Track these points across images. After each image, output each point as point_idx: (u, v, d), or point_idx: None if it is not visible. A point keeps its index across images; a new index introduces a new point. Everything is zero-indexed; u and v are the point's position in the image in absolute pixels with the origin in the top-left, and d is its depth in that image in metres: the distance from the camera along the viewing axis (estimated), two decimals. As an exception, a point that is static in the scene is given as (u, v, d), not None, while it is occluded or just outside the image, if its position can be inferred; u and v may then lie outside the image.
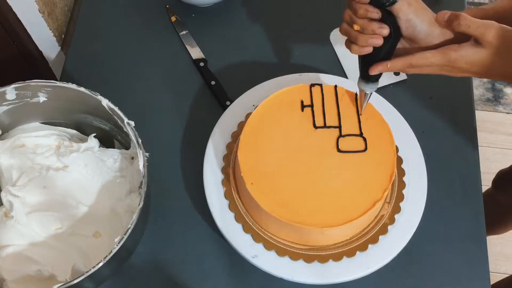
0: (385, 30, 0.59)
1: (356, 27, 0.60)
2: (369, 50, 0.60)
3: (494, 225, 1.23)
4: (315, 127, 0.70)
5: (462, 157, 0.83)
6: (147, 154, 0.67)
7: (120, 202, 0.73)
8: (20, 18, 0.87)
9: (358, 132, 0.70)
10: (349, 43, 0.62)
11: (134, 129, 0.68)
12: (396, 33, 0.59)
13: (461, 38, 0.59)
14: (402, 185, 0.74)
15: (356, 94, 0.73)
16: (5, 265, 0.69)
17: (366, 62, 0.63)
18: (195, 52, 0.92)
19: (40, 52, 0.95)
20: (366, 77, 0.65)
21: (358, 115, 0.71)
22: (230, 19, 0.96)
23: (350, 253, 0.70)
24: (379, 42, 0.59)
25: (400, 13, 0.58)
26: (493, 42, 0.56)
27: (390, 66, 0.61)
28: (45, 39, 0.96)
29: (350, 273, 0.70)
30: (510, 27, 0.57)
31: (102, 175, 0.74)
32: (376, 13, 0.58)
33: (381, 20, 0.59)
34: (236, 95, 0.81)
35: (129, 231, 0.62)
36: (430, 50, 0.59)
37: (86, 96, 0.69)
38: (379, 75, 0.65)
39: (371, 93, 0.68)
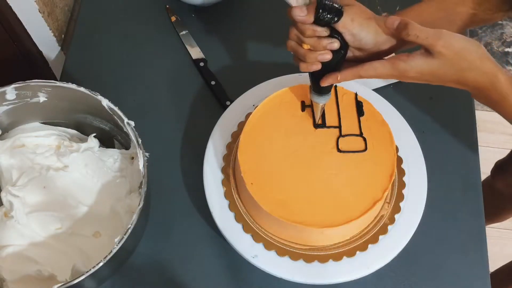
0: (336, 44, 0.59)
1: (306, 46, 0.60)
2: (318, 67, 0.61)
3: (493, 214, 1.25)
4: (315, 127, 0.70)
5: (462, 157, 0.83)
6: (147, 154, 0.67)
7: (120, 202, 0.73)
8: (20, 18, 0.87)
9: (358, 132, 0.70)
10: (298, 60, 0.63)
11: (134, 129, 0.68)
12: (344, 48, 0.60)
13: (408, 43, 0.59)
14: (402, 185, 0.74)
15: (356, 94, 0.73)
16: (5, 265, 0.69)
17: (316, 75, 0.63)
18: (195, 52, 0.92)
19: (40, 52, 0.95)
20: (318, 89, 0.65)
21: (358, 115, 0.71)
22: (230, 19, 0.96)
23: (350, 253, 0.70)
24: (328, 57, 0.59)
25: (344, 29, 0.58)
26: (443, 52, 0.56)
27: (340, 78, 0.61)
28: (45, 39, 0.97)
29: (350, 273, 0.70)
30: (460, 35, 0.57)
31: (102, 175, 0.74)
32: (324, 32, 0.59)
33: (329, 36, 0.59)
34: (236, 95, 0.81)
35: (129, 231, 0.62)
36: (380, 60, 0.59)
37: (86, 96, 0.69)
38: (330, 88, 0.65)
39: (324, 105, 0.68)
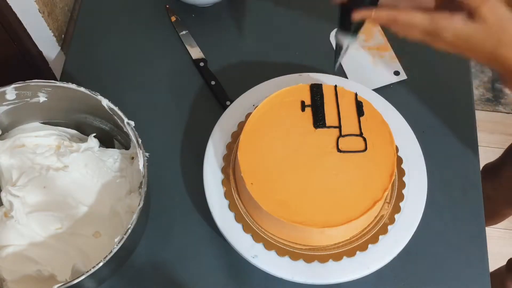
0: None
1: None
2: None
3: (485, 217, 1.25)
4: (315, 127, 0.70)
5: (462, 157, 0.83)
6: (147, 154, 0.67)
7: (120, 202, 0.73)
8: (20, 18, 0.87)
9: (358, 132, 0.70)
10: None
11: (134, 129, 0.68)
12: None
13: (454, 7, 0.55)
14: (402, 185, 0.74)
15: (356, 94, 0.73)
16: (5, 265, 0.69)
17: (348, 9, 0.58)
18: (195, 52, 0.92)
19: (40, 52, 0.95)
20: (345, 27, 0.60)
21: (358, 115, 0.71)
22: (230, 19, 0.96)
23: (350, 253, 0.70)
24: None
25: None
26: (487, 16, 0.53)
27: (374, 14, 0.57)
28: (45, 39, 0.96)
29: (350, 273, 0.70)
30: (507, 6, 0.54)
31: (102, 175, 0.74)
32: None
33: None
34: (236, 95, 0.81)
35: (129, 231, 0.62)
36: (420, 11, 0.56)
37: (86, 96, 0.69)
38: (359, 27, 0.60)
39: (347, 48, 0.64)
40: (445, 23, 0.55)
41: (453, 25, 0.54)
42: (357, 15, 0.58)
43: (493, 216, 1.26)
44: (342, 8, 0.60)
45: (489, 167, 1.15)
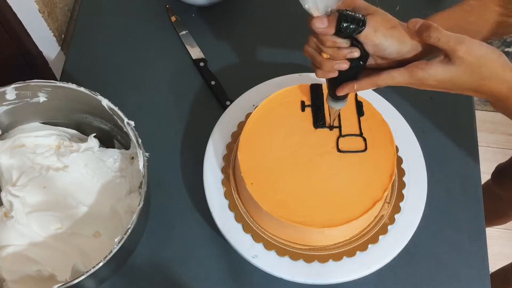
0: (356, 53, 0.57)
1: (325, 55, 0.59)
2: (334, 74, 0.59)
3: (493, 218, 1.25)
4: (315, 127, 0.70)
5: (462, 157, 0.83)
6: (147, 154, 0.67)
7: (120, 202, 0.73)
8: (20, 18, 0.87)
9: (358, 132, 0.70)
10: (314, 67, 0.61)
11: (134, 129, 0.68)
12: (364, 58, 0.58)
13: (433, 48, 0.57)
14: (402, 185, 0.74)
15: (356, 94, 0.73)
16: (5, 265, 0.69)
17: (334, 82, 0.61)
18: (195, 52, 0.92)
19: (40, 52, 0.95)
20: (334, 96, 0.64)
21: (358, 115, 0.71)
22: (230, 19, 0.96)
23: (350, 253, 0.70)
24: (345, 66, 0.58)
25: (366, 39, 0.57)
26: (464, 58, 0.54)
27: (356, 87, 0.60)
28: (45, 39, 0.96)
29: (350, 273, 0.70)
30: (482, 42, 0.55)
31: (102, 175, 0.74)
32: (345, 43, 0.57)
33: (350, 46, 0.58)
34: (236, 95, 0.81)
35: (129, 231, 0.62)
36: (397, 69, 0.58)
37: (86, 96, 0.69)
38: (347, 94, 0.64)
39: (339, 110, 0.67)
40: (424, 74, 0.56)
41: (432, 73, 0.56)
42: (340, 92, 0.61)
43: (503, 216, 1.25)
44: (329, 81, 0.63)
45: (500, 168, 1.15)
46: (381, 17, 0.57)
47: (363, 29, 0.55)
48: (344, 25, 0.55)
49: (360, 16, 0.56)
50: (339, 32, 0.55)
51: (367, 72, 0.60)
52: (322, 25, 0.56)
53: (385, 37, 0.57)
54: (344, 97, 0.64)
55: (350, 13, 0.55)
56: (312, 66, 0.62)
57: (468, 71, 0.55)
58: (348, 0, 0.57)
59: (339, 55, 0.57)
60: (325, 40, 0.57)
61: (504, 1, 0.65)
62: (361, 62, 0.58)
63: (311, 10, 0.56)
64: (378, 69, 0.60)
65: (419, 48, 0.58)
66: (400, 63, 0.59)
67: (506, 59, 0.56)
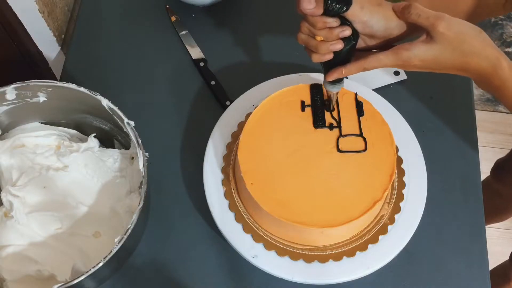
0: (347, 31, 0.59)
1: (319, 38, 0.60)
2: (330, 56, 0.61)
3: (493, 214, 1.25)
4: (315, 127, 0.70)
5: (462, 157, 0.83)
6: (147, 154, 0.67)
7: (120, 202, 0.73)
8: (20, 18, 0.87)
9: (358, 132, 0.70)
10: (310, 52, 0.63)
11: (134, 129, 0.68)
12: (355, 37, 0.60)
13: (417, 27, 0.59)
14: (402, 185, 0.74)
15: (356, 94, 0.73)
16: (5, 265, 0.69)
17: (328, 65, 0.63)
18: (195, 52, 0.92)
19: (40, 52, 0.95)
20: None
21: (358, 115, 0.71)
22: (230, 19, 0.96)
23: (350, 253, 0.70)
24: (340, 46, 0.60)
25: (354, 17, 0.58)
26: (445, 33, 0.56)
27: (345, 71, 0.62)
28: (45, 39, 0.96)
29: (350, 273, 0.70)
30: (461, 20, 0.57)
31: (102, 175, 0.74)
32: (335, 22, 0.59)
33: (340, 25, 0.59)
34: (236, 95, 0.81)
35: (129, 231, 0.62)
36: (383, 51, 0.60)
37: (86, 96, 0.69)
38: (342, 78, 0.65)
39: (337, 93, 0.68)
40: (409, 54, 0.58)
41: (416, 53, 0.58)
42: (330, 78, 0.64)
43: (503, 212, 1.25)
44: (323, 65, 0.64)
45: (500, 163, 1.15)
46: None
47: (350, 6, 0.57)
48: (331, 3, 0.56)
49: None
50: (328, 11, 0.57)
51: (355, 57, 0.61)
52: (310, 6, 0.57)
53: (371, 13, 0.59)
54: (341, 80, 0.66)
55: None
56: (307, 52, 0.64)
57: (449, 48, 0.57)
58: None
59: (332, 35, 0.59)
60: (316, 22, 0.59)
61: None
62: (353, 41, 0.60)
63: None
64: (366, 51, 0.62)
65: (404, 25, 0.60)
66: (387, 44, 0.61)
67: (487, 36, 0.58)
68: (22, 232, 0.70)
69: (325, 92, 0.73)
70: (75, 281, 0.60)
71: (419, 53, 0.58)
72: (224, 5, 0.97)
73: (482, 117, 1.69)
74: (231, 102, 0.83)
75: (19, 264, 0.69)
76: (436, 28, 0.56)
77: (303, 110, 0.72)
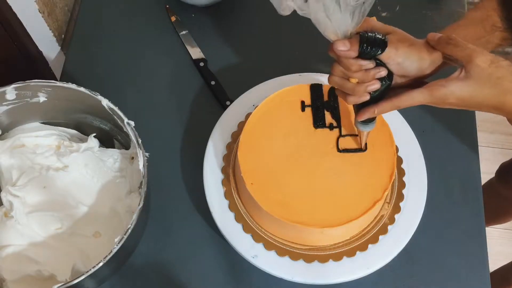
0: (383, 72, 0.58)
1: (354, 80, 0.59)
2: (367, 98, 0.60)
3: (496, 216, 1.25)
4: (315, 127, 0.70)
5: (462, 157, 0.83)
6: (147, 154, 0.67)
7: (120, 202, 0.73)
8: (20, 18, 0.87)
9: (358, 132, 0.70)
10: (344, 95, 0.61)
11: (134, 129, 0.68)
12: (390, 77, 0.59)
13: (452, 60, 0.58)
14: (402, 185, 0.74)
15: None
16: (5, 265, 0.69)
17: (361, 105, 0.62)
18: (195, 52, 0.92)
19: (40, 52, 0.95)
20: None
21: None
22: (230, 19, 0.96)
23: (350, 253, 0.70)
24: (377, 86, 0.58)
25: (389, 59, 0.57)
26: (482, 66, 0.54)
27: (377, 111, 0.60)
28: (45, 39, 0.96)
29: (350, 273, 0.70)
30: (499, 57, 0.55)
31: (102, 175, 0.74)
32: (371, 64, 0.57)
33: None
34: (236, 95, 0.81)
35: (129, 231, 0.62)
36: (417, 89, 0.57)
37: (86, 96, 0.69)
38: (374, 117, 0.64)
39: (369, 132, 0.67)
40: (446, 91, 0.56)
41: (452, 90, 0.56)
42: (361, 117, 0.62)
43: (506, 214, 1.25)
44: (355, 105, 0.63)
45: (505, 166, 1.14)
46: (400, 36, 0.58)
47: (385, 48, 0.56)
48: (367, 46, 0.55)
49: (381, 36, 0.56)
50: (363, 54, 0.56)
51: (387, 95, 0.60)
52: (344, 47, 0.56)
53: (406, 55, 0.57)
54: (373, 119, 0.64)
55: (370, 34, 0.56)
56: (338, 94, 0.63)
57: (487, 83, 0.54)
58: (364, 23, 0.57)
59: (368, 77, 0.58)
60: (351, 65, 0.57)
61: (502, 11, 0.65)
62: (388, 82, 0.59)
63: (330, 36, 0.56)
64: (397, 89, 0.60)
65: (437, 62, 0.59)
66: (418, 81, 0.60)
67: None
68: (22, 232, 0.70)
69: (325, 92, 0.73)
70: (75, 281, 0.60)
71: (455, 90, 0.56)
72: (224, 5, 0.97)
73: (482, 117, 1.68)
74: (231, 102, 0.83)
75: (19, 264, 0.69)
76: (473, 60, 0.54)
77: (303, 110, 0.72)
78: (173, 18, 0.95)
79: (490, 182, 1.18)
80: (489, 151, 1.62)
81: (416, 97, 0.58)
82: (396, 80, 0.61)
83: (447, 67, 0.60)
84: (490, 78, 0.54)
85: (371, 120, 0.64)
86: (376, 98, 0.60)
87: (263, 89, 0.81)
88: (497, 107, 0.56)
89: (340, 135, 0.70)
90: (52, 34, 0.98)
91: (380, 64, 0.58)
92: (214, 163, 0.76)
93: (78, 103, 0.72)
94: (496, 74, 0.54)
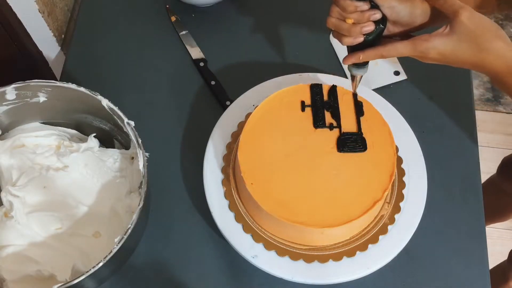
0: (378, 14, 0.61)
1: (350, 20, 0.62)
2: (361, 39, 0.63)
3: (497, 213, 1.24)
4: (315, 127, 0.70)
5: (462, 157, 0.83)
6: (147, 154, 0.67)
7: (120, 202, 0.73)
8: (20, 18, 0.87)
9: (358, 132, 0.70)
10: (340, 36, 0.64)
11: (134, 129, 0.68)
12: (384, 21, 0.62)
13: (440, 16, 0.60)
14: (402, 185, 0.74)
15: (356, 94, 0.73)
16: (5, 265, 0.69)
17: (354, 49, 0.65)
18: (195, 52, 0.92)
19: (40, 52, 0.95)
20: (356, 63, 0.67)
21: (358, 115, 0.71)
22: (230, 19, 0.96)
23: (350, 253, 0.70)
24: (371, 28, 0.62)
25: (384, 1, 0.61)
26: (465, 23, 0.57)
27: (362, 57, 0.64)
28: (45, 39, 0.97)
29: (350, 273, 0.70)
30: (483, 15, 0.57)
31: (102, 175, 0.74)
32: (365, 6, 0.61)
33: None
34: (236, 95, 0.81)
35: (129, 231, 0.62)
36: (401, 41, 0.61)
37: (86, 96, 0.69)
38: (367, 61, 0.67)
39: (361, 77, 0.70)
40: (427, 45, 0.59)
41: (435, 45, 0.59)
42: (347, 62, 0.66)
43: (506, 211, 1.24)
44: (348, 48, 0.66)
45: (507, 161, 1.14)
46: None
47: None
48: None
49: None
50: None
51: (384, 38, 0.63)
52: None
53: (399, 0, 0.61)
54: (366, 63, 0.67)
55: None
56: (335, 36, 0.65)
57: (467, 40, 0.57)
58: None
59: (363, 18, 0.61)
60: (347, 6, 0.61)
61: None
62: (381, 25, 0.62)
63: None
64: (387, 40, 0.63)
65: (428, 12, 0.61)
66: (406, 33, 0.63)
67: (505, 35, 0.58)
68: (22, 232, 0.70)
69: (325, 92, 0.73)
70: (75, 281, 0.60)
71: (438, 45, 0.59)
72: (224, 5, 0.97)
73: (482, 117, 1.69)
74: (231, 102, 0.82)
75: (19, 264, 0.69)
76: (458, 16, 0.57)
77: (303, 110, 0.72)
78: (173, 18, 0.95)
79: (490, 179, 1.18)
80: (489, 151, 1.62)
81: (400, 48, 0.61)
82: (389, 28, 0.64)
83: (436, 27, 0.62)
84: (471, 35, 0.57)
85: (363, 64, 0.67)
86: (370, 44, 0.63)
87: (263, 89, 0.81)
88: (477, 65, 0.59)
89: (340, 135, 0.70)
90: (52, 34, 0.98)
91: (375, 6, 0.61)
92: (214, 163, 0.76)
93: (78, 103, 0.72)
94: (477, 32, 0.57)
